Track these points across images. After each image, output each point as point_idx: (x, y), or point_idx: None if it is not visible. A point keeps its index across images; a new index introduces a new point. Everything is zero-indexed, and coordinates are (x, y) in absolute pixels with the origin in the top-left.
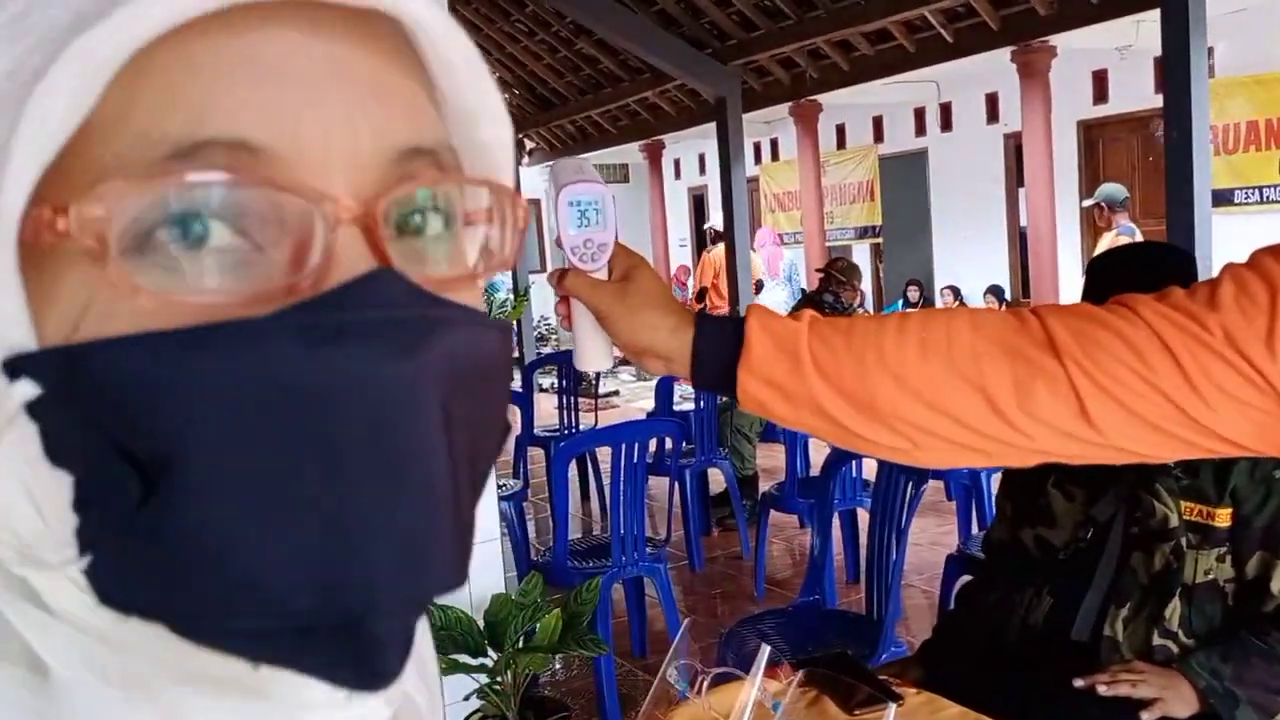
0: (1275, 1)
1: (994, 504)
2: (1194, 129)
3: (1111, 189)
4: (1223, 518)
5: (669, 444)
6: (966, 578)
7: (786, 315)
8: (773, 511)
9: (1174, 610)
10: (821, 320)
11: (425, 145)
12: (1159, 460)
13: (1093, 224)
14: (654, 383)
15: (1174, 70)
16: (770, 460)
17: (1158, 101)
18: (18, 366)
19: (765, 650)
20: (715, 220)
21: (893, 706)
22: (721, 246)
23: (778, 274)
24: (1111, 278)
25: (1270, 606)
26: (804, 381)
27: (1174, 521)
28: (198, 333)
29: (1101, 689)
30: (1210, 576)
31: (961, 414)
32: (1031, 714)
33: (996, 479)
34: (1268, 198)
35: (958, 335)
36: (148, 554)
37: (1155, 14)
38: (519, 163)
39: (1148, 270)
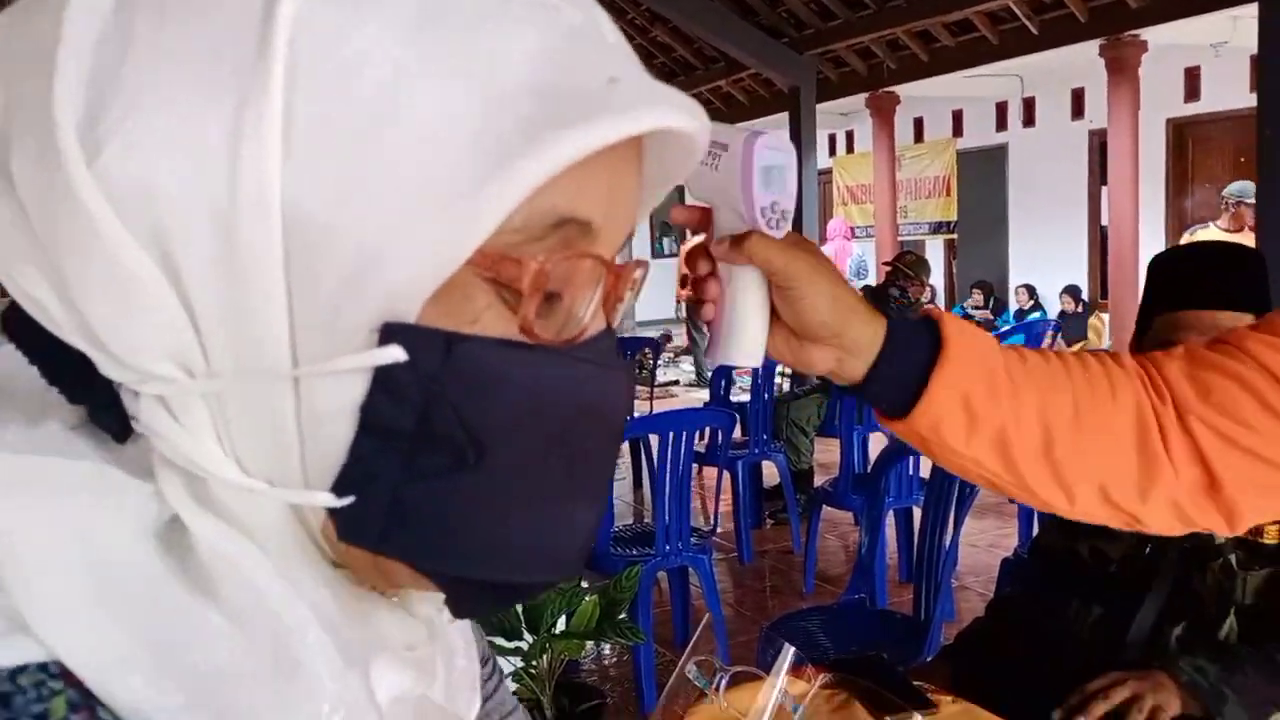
0: None
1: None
2: None
3: (1251, 186)
4: (1271, 534)
5: (721, 439)
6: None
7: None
8: (827, 507)
9: (1229, 630)
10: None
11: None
12: None
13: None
14: (710, 373)
15: (1271, 67)
16: (827, 455)
17: (1254, 100)
18: (392, 334)
19: (788, 650)
20: None
21: (917, 718)
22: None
23: (844, 269)
24: (1177, 277)
25: None
26: (997, 405)
27: (1220, 539)
28: (536, 350)
29: None
30: (1264, 598)
31: (1105, 481)
32: None
33: None
34: None
35: (1097, 404)
36: (428, 508)
37: (1253, 9)
38: None
39: (1217, 269)
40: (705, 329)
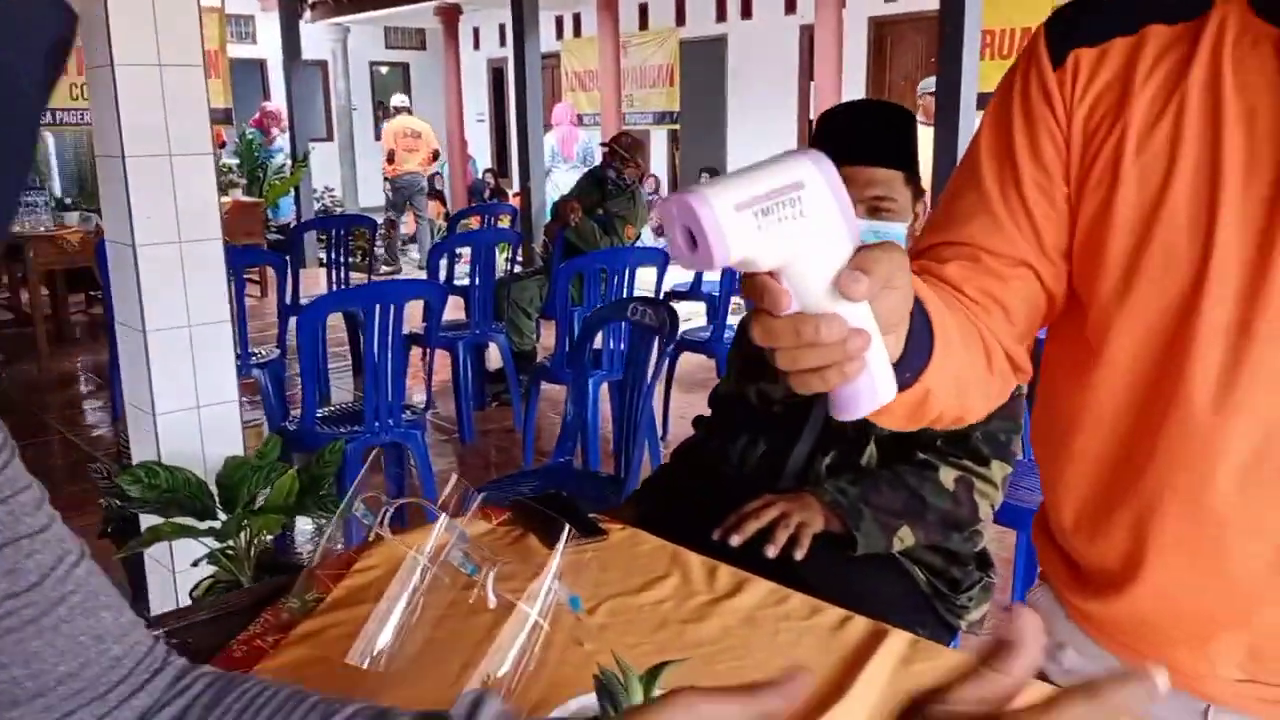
0: None
1: (725, 361)
2: (965, 31)
3: None
4: None
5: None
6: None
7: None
8: (549, 385)
9: (869, 456)
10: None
11: None
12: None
13: None
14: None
15: None
16: (551, 338)
17: None
18: None
19: (453, 478)
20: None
21: (566, 527)
22: (398, 119)
23: (572, 155)
24: (836, 135)
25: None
26: (952, 348)
27: None
28: None
29: (734, 540)
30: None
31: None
32: (728, 547)
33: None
34: None
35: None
36: None
37: None
38: (299, 17)
39: (873, 129)
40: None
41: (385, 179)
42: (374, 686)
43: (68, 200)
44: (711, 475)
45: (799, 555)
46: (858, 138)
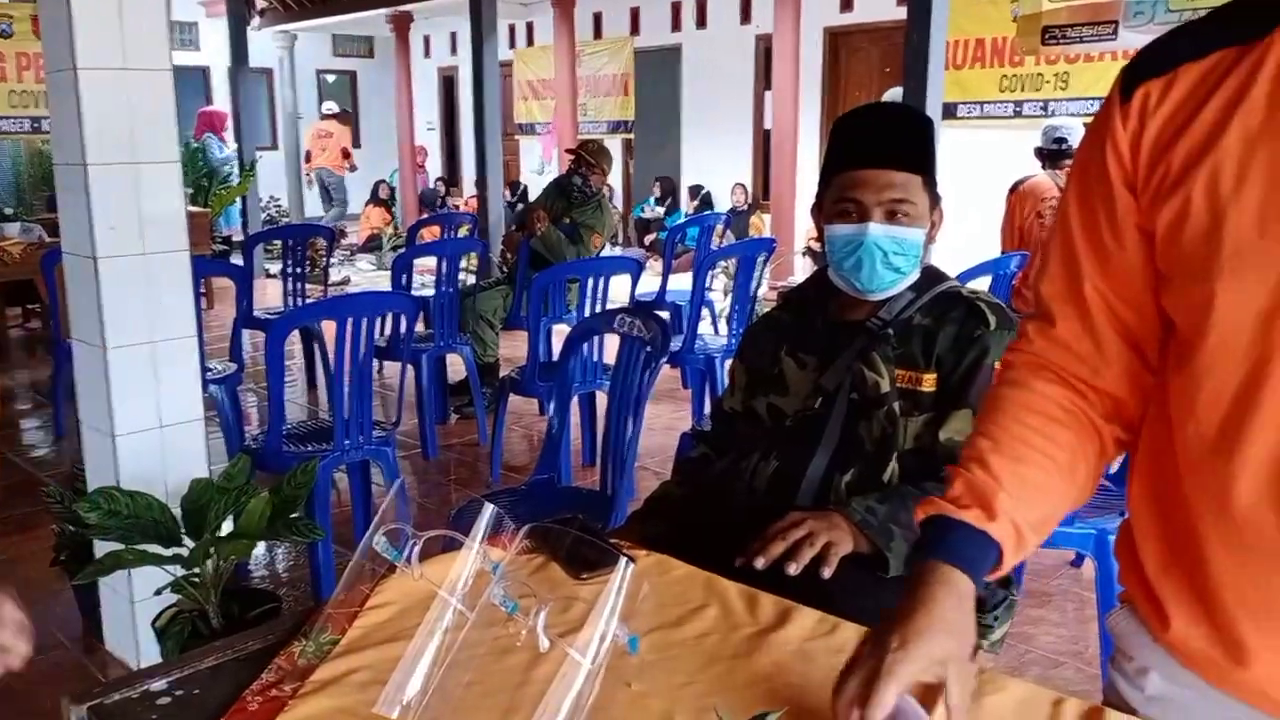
0: None
1: (727, 374)
2: (931, 41)
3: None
4: (929, 383)
5: (404, 327)
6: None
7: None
8: (513, 397)
9: (892, 474)
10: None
11: None
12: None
13: None
14: (390, 269)
15: None
16: (512, 350)
17: (899, 14)
18: None
19: (488, 509)
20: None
21: (626, 564)
22: (322, 122)
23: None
24: (856, 137)
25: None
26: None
27: (885, 388)
28: None
29: (758, 563)
30: (920, 442)
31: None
32: (752, 570)
33: (730, 363)
34: (987, 112)
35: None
36: None
37: None
38: (248, 23)
39: (893, 128)
40: None
41: (306, 175)
42: None
43: (6, 211)
44: (720, 494)
45: (826, 574)
46: (876, 140)
